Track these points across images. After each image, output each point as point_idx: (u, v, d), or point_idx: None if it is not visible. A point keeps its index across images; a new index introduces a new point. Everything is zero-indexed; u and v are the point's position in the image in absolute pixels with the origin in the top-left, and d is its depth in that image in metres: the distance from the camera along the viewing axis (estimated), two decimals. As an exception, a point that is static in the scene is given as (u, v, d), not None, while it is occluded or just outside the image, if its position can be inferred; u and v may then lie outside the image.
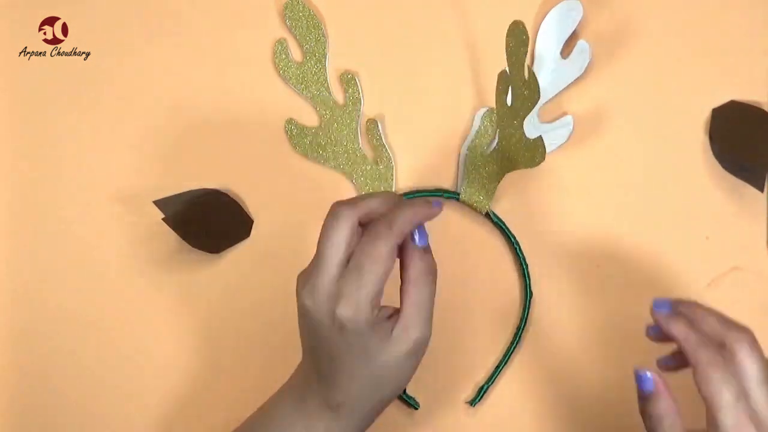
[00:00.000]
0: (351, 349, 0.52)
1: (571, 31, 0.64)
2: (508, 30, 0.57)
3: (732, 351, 0.50)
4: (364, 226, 0.53)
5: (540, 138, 0.58)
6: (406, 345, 0.52)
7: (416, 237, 0.54)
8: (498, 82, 0.60)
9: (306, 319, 0.53)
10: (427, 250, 0.55)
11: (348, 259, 0.52)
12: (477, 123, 0.65)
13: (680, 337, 0.52)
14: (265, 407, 0.57)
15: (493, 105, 0.65)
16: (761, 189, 0.62)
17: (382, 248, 0.51)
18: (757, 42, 0.65)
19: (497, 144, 0.64)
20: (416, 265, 0.54)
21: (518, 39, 0.57)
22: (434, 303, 0.54)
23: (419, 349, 0.53)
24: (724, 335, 0.51)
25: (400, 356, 0.52)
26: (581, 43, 0.64)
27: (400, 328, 0.52)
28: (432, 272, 0.54)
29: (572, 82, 0.65)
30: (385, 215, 0.52)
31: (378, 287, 0.51)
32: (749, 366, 0.50)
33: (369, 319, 0.51)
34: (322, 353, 0.53)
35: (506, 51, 0.58)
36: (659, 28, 0.65)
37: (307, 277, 0.52)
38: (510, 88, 0.59)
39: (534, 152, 0.59)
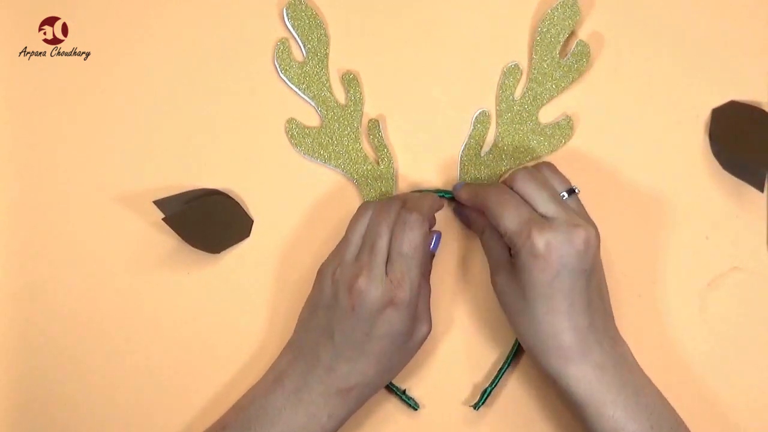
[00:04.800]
0: (392, 329, 0.56)
1: (569, 31, 0.65)
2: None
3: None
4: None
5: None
6: (422, 334, 0.59)
7: (432, 243, 0.60)
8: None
9: (335, 304, 0.56)
10: (432, 254, 0.62)
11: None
12: (472, 124, 0.65)
13: (469, 195, 0.61)
14: (248, 404, 0.58)
15: (491, 106, 0.65)
16: (761, 189, 0.62)
17: (418, 236, 0.57)
18: (757, 42, 0.65)
19: (495, 142, 0.64)
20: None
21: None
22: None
23: (423, 341, 0.60)
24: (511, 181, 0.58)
25: (417, 344, 0.59)
26: (580, 43, 0.64)
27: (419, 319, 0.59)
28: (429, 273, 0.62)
29: (571, 83, 0.65)
30: (410, 207, 0.58)
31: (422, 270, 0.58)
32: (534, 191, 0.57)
33: (414, 302, 0.57)
34: (350, 338, 0.56)
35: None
36: (659, 28, 0.65)
37: (362, 269, 0.56)
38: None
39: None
